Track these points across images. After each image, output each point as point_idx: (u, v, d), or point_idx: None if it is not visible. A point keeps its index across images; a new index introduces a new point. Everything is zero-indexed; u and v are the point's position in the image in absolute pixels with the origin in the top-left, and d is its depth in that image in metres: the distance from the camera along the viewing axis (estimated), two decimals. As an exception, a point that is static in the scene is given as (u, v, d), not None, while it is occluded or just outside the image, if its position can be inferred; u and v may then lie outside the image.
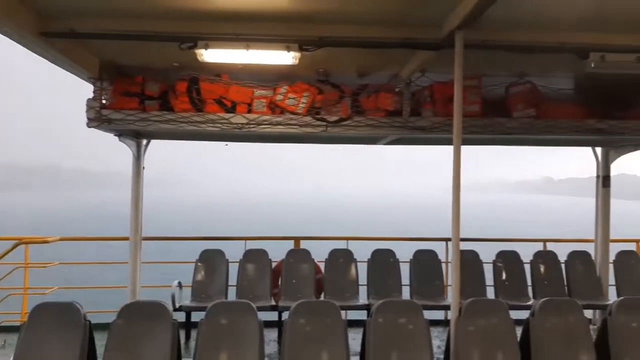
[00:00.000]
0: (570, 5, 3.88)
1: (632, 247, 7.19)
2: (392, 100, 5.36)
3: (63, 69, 4.73)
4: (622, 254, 6.86)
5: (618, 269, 6.74)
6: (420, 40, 4.26)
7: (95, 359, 3.92)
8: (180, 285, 6.48)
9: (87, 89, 5.09)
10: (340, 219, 66.02)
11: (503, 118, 5.34)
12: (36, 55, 4.24)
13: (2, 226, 44.48)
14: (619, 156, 6.51)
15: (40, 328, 3.87)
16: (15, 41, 3.85)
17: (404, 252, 6.90)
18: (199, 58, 4.22)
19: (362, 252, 6.92)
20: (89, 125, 4.96)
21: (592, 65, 4.23)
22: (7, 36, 3.71)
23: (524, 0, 3.72)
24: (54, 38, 4.03)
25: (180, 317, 6.12)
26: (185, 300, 6.39)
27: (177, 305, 6.11)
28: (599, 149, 6.75)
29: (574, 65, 4.43)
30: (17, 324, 6.14)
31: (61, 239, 6.76)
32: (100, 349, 3.87)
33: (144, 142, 6.16)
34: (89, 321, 3.95)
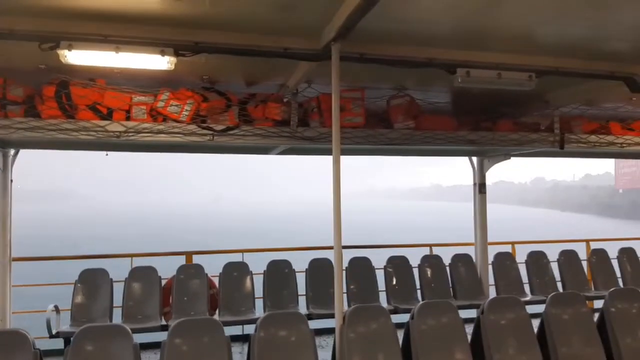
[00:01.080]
0: (437, 23, 4.12)
1: (508, 248, 7.78)
2: (280, 110, 5.35)
3: None
4: (499, 256, 7.40)
5: (496, 270, 7.25)
6: (300, 51, 4.29)
7: None
8: (57, 309, 5.93)
9: None
10: (238, 231, 65.10)
11: (385, 129, 5.55)
12: None
13: None
14: (492, 165, 7.06)
15: None
16: None
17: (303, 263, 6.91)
18: (62, 60, 3.89)
19: (260, 264, 6.83)
20: None
21: (459, 80, 4.53)
22: None
23: (396, 15, 3.85)
24: None
25: (59, 344, 5.62)
26: (65, 325, 5.87)
27: (54, 332, 5.58)
28: (475, 158, 7.27)
29: (446, 79, 4.71)
30: None
31: None
32: None
33: (11, 152, 5.61)
34: None
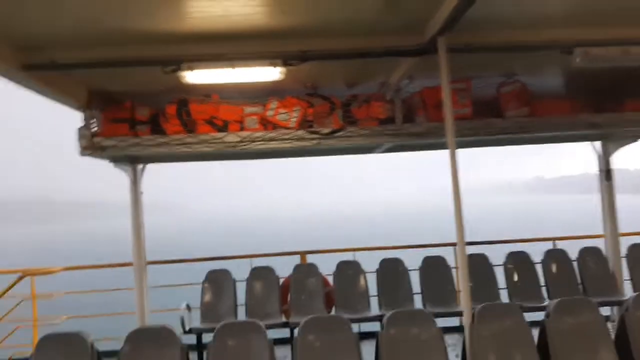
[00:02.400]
0: (551, 2, 3.84)
1: (642, 240, 7.02)
2: (383, 108, 5.33)
3: (50, 99, 4.77)
4: (634, 247, 6.70)
5: (631, 263, 6.57)
6: (403, 48, 4.23)
7: None
8: (188, 307, 6.46)
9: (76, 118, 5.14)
10: (341, 233, 65.51)
11: (496, 119, 5.28)
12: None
13: (3, 259, 45.00)
14: (617, 148, 6.41)
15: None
16: None
17: (412, 260, 6.83)
18: (184, 80, 4.23)
19: (369, 263, 6.86)
20: (82, 154, 4.99)
21: (577, 60, 4.16)
22: None
23: (504, 0, 3.68)
24: (35, 70, 4.06)
25: (191, 339, 6.10)
26: (195, 322, 6.36)
27: (187, 328, 6.08)
28: (597, 143, 6.64)
29: (561, 61, 4.37)
30: (28, 356, 6.16)
31: (65, 269, 6.80)
32: None
33: (140, 167, 6.19)
34: (97, 350, 3.93)
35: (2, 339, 6.23)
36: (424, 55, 4.21)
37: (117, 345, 4.14)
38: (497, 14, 3.93)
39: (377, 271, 6.75)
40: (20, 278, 6.15)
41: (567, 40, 4.26)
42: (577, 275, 6.54)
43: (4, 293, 5.99)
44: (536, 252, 6.76)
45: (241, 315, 6.49)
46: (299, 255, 7.24)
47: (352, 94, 5.45)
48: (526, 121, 5.27)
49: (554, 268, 6.60)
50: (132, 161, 6.02)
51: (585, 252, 6.70)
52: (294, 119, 5.20)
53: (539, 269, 6.63)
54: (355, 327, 6.67)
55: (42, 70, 4.10)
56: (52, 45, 4.06)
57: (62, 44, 4.07)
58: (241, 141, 5.13)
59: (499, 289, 6.48)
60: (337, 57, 4.28)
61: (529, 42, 4.26)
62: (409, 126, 5.28)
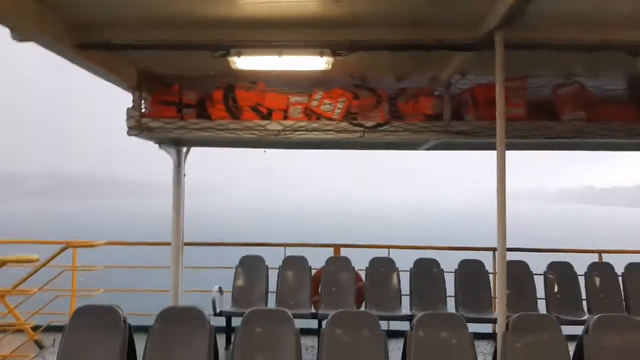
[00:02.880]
0: (618, 1, 3.61)
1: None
2: (431, 104, 5.19)
3: (102, 78, 4.87)
4: None
5: None
6: (457, 42, 4.08)
7: None
8: (220, 290, 6.55)
9: (125, 99, 5.23)
10: (374, 229, 65.04)
11: (551, 121, 5.05)
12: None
13: (46, 231, 46.84)
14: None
15: (82, 330, 3.96)
16: (54, 52, 3.99)
17: (448, 263, 6.68)
18: (232, 66, 4.23)
19: (403, 261, 6.75)
20: (129, 134, 5.08)
21: None
22: (45, 47, 3.85)
23: None
24: (89, 50, 4.14)
25: (221, 322, 6.18)
26: (226, 305, 6.44)
27: (218, 311, 6.16)
28: None
29: (625, 63, 4.13)
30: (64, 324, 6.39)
31: (107, 243, 6.98)
32: (140, 352, 3.91)
33: (184, 149, 6.27)
34: (129, 324, 4.01)
35: (42, 307, 6.47)
36: (479, 51, 4.05)
37: (148, 321, 4.22)
38: (559, 10, 3.74)
39: (411, 270, 6.64)
40: (64, 249, 6.35)
41: (633, 41, 4.02)
42: (622, 291, 6.25)
43: (47, 262, 6.20)
44: (580, 264, 6.49)
45: (271, 302, 6.52)
46: (332, 248, 7.21)
47: (400, 88, 5.33)
48: (584, 126, 5.02)
49: (597, 282, 6.33)
50: (177, 143, 6.09)
51: (632, 268, 6.38)
52: (338, 110, 5.13)
53: (581, 281, 6.37)
54: (384, 325, 6.67)
55: (96, 49, 4.18)
56: (106, 25, 4.13)
57: (116, 25, 4.13)
58: (284, 130, 5.11)
59: (537, 298, 6.26)
60: (387, 48, 4.16)
61: (591, 42, 4.02)
62: (457, 124, 5.12)
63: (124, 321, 3.98)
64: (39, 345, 6.14)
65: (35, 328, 6.33)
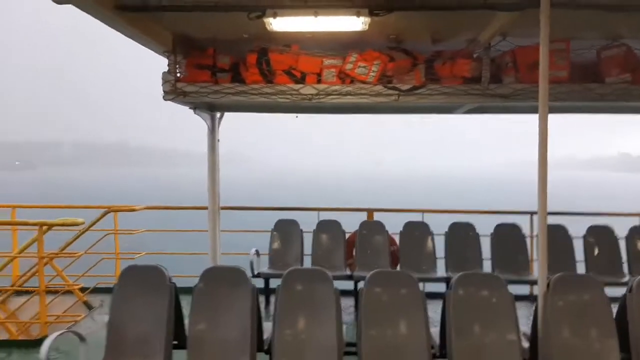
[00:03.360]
0: None
1: None
2: (469, 66, 5.03)
3: (138, 43, 4.86)
4: None
5: None
6: (501, 1, 3.91)
7: (182, 319, 4.10)
8: (257, 253, 6.72)
9: (159, 62, 5.24)
10: (407, 194, 64.52)
11: (595, 84, 4.85)
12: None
13: (88, 197, 48.29)
14: None
15: (130, 290, 4.09)
16: (92, 15, 3.98)
17: (484, 228, 6.63)
18: (268, 27, 4.17)
19: (439, 227, 6.73)
20: (164, 98, 5.12)
21: None
22: (83, 10, 3.85)
23: None
24: (128, 12, 4.12)
25: (259, 283, 6.33)
26: (263, 267, 6.60)
27: (256, 272, 6.33)
28: None
29: None
30: (112, 286, 6.67)
31: (146, 208, 7.20)
32: (185, 311, 4.04)
33: (218, 115, 6.30)
34: (174, 284, 4.15)
35: (88, 269, 6.76)
36: (523, 10, 3.88)
37: (191, 282, 4.36)
38: None
39: (446, 234, 6.64)
40: (105, 213, 6.57)
41: None
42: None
43: (90, 226, 6.44)
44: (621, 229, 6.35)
45: (307, 264, 6.65)
46: (366, 213, 7.24)
47: (436, 50, 5.18)
48: (629, 88, 4.82)
49: (639, 244, 6.19)
50: (211, 109, 6.13)
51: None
52: (373, 74, 5.03)
53: (622, 245, 6.24)
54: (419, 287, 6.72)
55: (133, 11, 4.16)
56: None
57: None
58: (317, 94, 5.06)
59: (576, 261, 6.19)
60: (426, 8, 4.03)
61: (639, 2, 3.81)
62: (495, 87, 4.97)
63: (170, 280, 4.10)
64: (88, 306, 6.46)
65: (83, 290, 6.65)
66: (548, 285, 3.88)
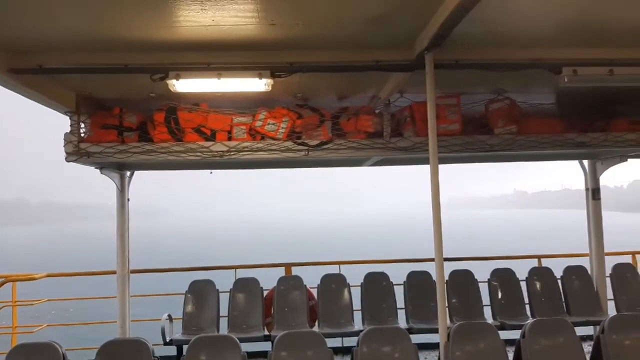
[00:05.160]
0: (540, 22, 3.88)
1: (628, 259, 7.06)
2: (372, 122, 5.34)
3: (39, 103, 4.73)
4: (618, 267, 6.75)
5: (615, 283, 6.61)
6: (393, 62, 4.26)
7: None
8: (170, 318, 6.38)
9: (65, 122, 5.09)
10: (323, 243, 65.20)
11: (484, 135, 5.31)
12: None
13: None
14: (606, 168, 6.46)
15: None
16: None
17: (398, 274, 6.80)
18: (171, 89, 4.22)
19: (355, 276, 6.82)
20: (67, 160, 4.94)
21: (565, 80, 4.21)
22: None
23: (494, 17, 3.70)
24: (23, 74, 4.04)
25: (172, 351, 6.02)
26: (177, 333, 6.28)
27: (168, 339, 6.00)
28: (586, 162, 6.70)
29: (550, 80, 4.42)
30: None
31: (48, 276, 6.70)
32: None
33: (127, 173, 6.14)
34: None
35: (-23, 347, 6.09)
36: (413, 71, 4.24)
37: (92, 354, 4.09)
38: (486, 32, 3.96)
39: (362, 285, 6.72)
40: (2, 284, 6.04)
41: (556, 59, 4.31)
42: (561, 293, 6.56)
43: (-17, 299, 5.88)
44: (522, 269, 6.78)
45: (223, 326, 6.42)
46: (284, 268, 7.20)
47: (342, 107, 5.46)
48: (515, 138, 5.30)
49: (538, 285, 6.62)
50: (119, 168, 5.96)
51: (570, 271, 6.72)
52: (282, 130, 5.19)
53: (523, 286, 6.64)
54: (338, 342, 6.70)
55: (30, 74, 4.07)
56: (40, 50, 4.05)
57: (51, 49, 4.06)
58: (228, 151, 5.11)
59: (483, 305, 6.47)
60: (325, 70, 4.29)
61: (517, 60, 4.30)
62: (396, 140, 5.29)
63: (63, 358, 3.84)
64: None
65: (-31, 369, 5.95)
66: (448, 334, 4.05)
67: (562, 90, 5.26)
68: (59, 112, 5.10)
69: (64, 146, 4.95)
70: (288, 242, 66.58)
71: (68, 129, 5.00)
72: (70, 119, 5.03)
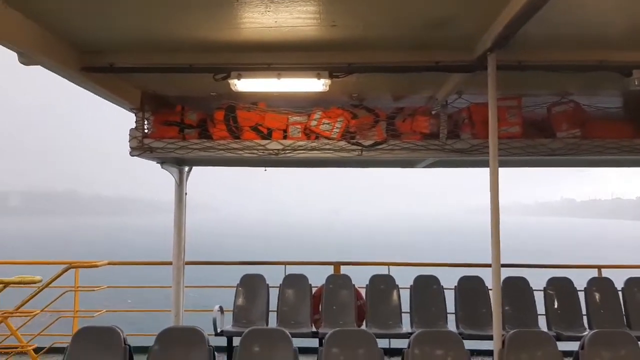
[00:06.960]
0: (610, 23, 3.72)
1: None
2: (428, 122, 5.29)
3: (106, 100, 4.98)
4: None
5: None
6: (453, 63, 4.19)
7: None
8: (221, 310, 6.55)
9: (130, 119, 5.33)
10: (368, 244, 64.57)
11: (546, 139, 5.15)
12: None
13: (55, 251, 46.64)
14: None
15: (83, 352, 3.98)
16: (59, 75, 4.10)
17: (448, 278, 6.70)
18: (233, 88, 4.34)
19: (404, 278, 6.77)
20: (131, 154, 5.18)
21: (636, 83, 4.03)
22: (50, 70, 3.96)
23: (560, 18, 3.59)
24: (94, 72, 4.26)
25: (222, 342, 6.18)
26: (227, 325, 6.44)
27: (219, 330, 6.16)
28: None
29: (618, 82, 4.23)
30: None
31: (109, 263, 7.02)
32: None
33: (186, 169, 6.35)
34: (129, 345, 4.04)
35: (44, 328, 6.47)
36: (473, 72, 4.16)
37: (150, 341, 4.25)
38: (552, 32, 3.84)
39: (411, 287, 6.66)
40: (65, 270, 6.38)
41: (626, 62, 4.13)
42: (622, 306, 6.27)
43: (49, 283, 6.23)
44: (579, 278, 6.52)
45: (272, 320, 6.53)
46: (332, 266, 7.24)
47: (397, 107, 5.44)
48: (579, 143, 5.11)
49: (597, 297, 6.35)
50: (178, 163, 6.18)
51: (632, 282, 6.40)
52: (337, 130, 5.24)
53: (582, 296, 6.39)
54: (385, 343, 6.67)
55: (100, 72, 4.29)
56: (110, 49, 4.26)
57: (120, 49, 4.26)
58: (283, 149, 5.21)
59: (538, 314, 6.28)
60: (384, 71, 4.28)
61: (583, 62, 4.14)
62: (453, 142, 5.22)
63: (124, 342, 4.01)
64: (41, 367, 6.13)
65: (37, 350, 6.33)
66: (503, 342, 3.95)
67: (631, 93, 5.02)
68: (124, 108, 5.35)
69: (129, 141, 5.19)
70: (336, 242, 66.58)
71: (133, 126, 5.23)
72: (135, 115, 5.26)
